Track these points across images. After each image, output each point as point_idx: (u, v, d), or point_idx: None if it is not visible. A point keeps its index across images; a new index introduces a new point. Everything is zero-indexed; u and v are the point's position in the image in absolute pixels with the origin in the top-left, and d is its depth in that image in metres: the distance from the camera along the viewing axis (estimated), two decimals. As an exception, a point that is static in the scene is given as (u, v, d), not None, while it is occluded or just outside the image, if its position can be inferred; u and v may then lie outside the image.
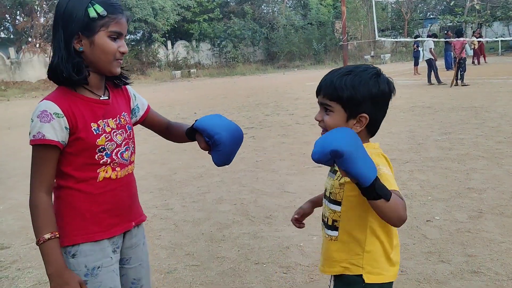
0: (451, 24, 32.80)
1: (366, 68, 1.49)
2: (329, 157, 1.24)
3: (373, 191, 1.27)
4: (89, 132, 1.54)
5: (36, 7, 29.96)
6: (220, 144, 1.61)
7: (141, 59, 32.13)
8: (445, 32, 22.81)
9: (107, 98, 1.64)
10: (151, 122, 1.87)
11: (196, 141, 1.73)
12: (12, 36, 31.32)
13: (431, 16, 38.37)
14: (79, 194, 1.57)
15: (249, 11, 35.57)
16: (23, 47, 28.75)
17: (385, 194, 1.29)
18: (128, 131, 1.68)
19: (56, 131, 1.48)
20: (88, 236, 1.57)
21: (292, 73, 27.32)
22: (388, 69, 24.65)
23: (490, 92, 11.87)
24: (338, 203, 1.53)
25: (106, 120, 1.59)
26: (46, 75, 1.60)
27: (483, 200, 4.16)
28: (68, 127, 1.51)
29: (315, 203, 1.88)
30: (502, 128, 7.23)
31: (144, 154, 7.37)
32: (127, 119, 1.69)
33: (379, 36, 25.88)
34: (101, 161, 1.58)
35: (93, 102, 1.58)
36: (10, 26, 31.83)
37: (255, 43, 36.52)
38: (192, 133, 1.72)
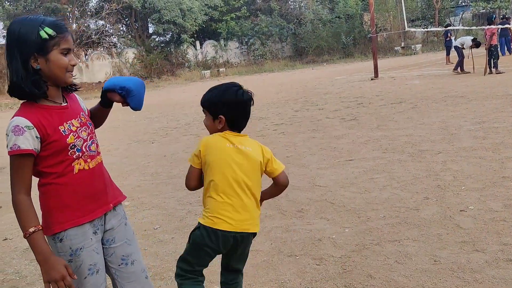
0: (484, 10, 31.84)
1: (227, 85, 2.20)
2: None
3: None
4: (59, 134, 1.80)
5: (68, 13, 30.82)
6: (132, 90, 1.97)
7: (171, 60, 32.57)
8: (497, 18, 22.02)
9: (66, 103, 1.91)
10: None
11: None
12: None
13: (463, 4, 37.28)
14: (61, 187, 1.82)
15: (276, 7, 35.51)
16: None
17: None
18: (90, 127, 1.95)
19: (29, 141, 1.72)
20: (73, 221, 1.83)
21: (321, 68, 27.14)
22: (420, 59, 24.21)
23: (526, 79, 11.53)
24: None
25: (69, 121, 1.85)
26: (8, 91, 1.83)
27: (519, 189, 4.09)
28: (38, 136, 1.75)
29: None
30: (539, 115, 7.03)
31: (176, 153, 7.53)
32: (86, 117, 1.96)
33: (408, 27, 25.43)
34: (74, 156, 1.84)
35: (55, 109, 1.84)
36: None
37: (282, 39, 36.45)
38: (104, 99, 2.04)
